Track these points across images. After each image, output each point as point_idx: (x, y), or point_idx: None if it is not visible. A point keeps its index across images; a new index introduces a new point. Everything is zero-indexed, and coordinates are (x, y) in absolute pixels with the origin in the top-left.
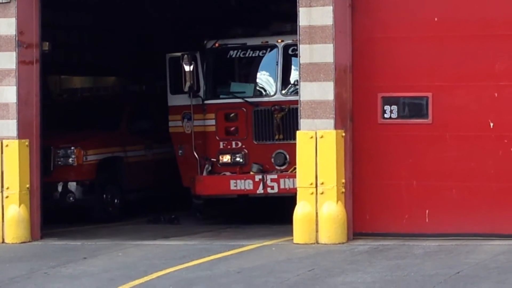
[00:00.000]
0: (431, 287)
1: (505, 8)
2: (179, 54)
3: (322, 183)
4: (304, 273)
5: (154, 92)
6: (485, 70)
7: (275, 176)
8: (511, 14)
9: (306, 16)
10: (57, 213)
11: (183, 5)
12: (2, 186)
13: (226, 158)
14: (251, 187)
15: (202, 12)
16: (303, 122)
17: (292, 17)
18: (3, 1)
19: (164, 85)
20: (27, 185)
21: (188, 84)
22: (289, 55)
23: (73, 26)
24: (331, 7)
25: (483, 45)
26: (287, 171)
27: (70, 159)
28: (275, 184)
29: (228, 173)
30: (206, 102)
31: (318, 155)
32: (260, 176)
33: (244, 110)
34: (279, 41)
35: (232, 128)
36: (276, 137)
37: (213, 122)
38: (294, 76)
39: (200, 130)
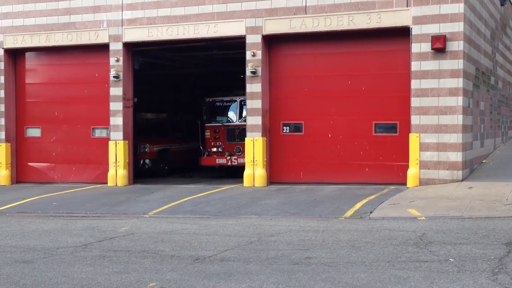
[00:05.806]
0: (304, 205)
1: (336, 84)
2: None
3: (256, 160)
4: (248, 198)
5: (183, 119)
6: (325, 112)
7: (236, 157)
8: (339, 87)
9: (249, 87)
10: (140, 173)
11: (198, 78)
12: (116, 161)
13: (214, 149)
14: (225, 161)
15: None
16: (248, 134)
17: (244, 87)
18: (115, 79)
19: (188, 117)
20: (127, 160)
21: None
22: (242, 105)
23: (147, 84)
24: (260, 84)
25: (326, 101)
26: (241, 155)
27: (146, 149)
28: (236, 161)
29: (215, 156)
30: (206, 124)
31: (255, 148)
32: (229, 157)
33: (222, 128)
34: (238, 98)
35: (217, 136)
36: (237, 140)
37: (209, 133)
38: (244, 113)
39: (206, 137)
